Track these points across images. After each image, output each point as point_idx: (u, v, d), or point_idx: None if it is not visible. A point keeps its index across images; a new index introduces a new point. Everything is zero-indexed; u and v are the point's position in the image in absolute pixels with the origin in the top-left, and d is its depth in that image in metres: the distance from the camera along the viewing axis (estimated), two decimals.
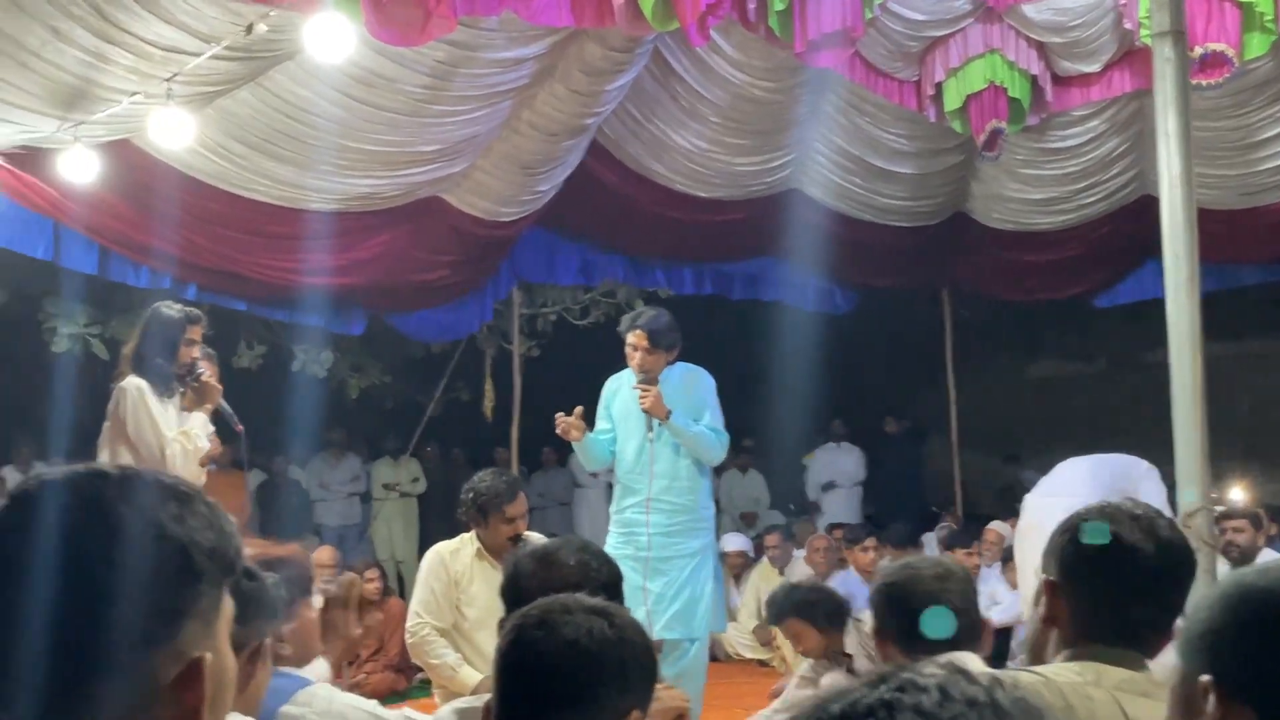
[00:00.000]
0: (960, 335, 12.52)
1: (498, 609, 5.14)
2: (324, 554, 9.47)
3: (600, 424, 6.44)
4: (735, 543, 10.55)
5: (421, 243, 9.25)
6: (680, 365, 6.33)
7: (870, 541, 9.11)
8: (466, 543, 5.42)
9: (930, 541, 10.31)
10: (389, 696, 8.53)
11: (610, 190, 9.53)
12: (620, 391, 6.36)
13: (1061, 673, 2.01)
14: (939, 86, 8.75)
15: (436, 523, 12.77)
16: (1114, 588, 2.06)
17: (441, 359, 11.83)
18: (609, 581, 2.59)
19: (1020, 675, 2.01)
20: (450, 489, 12.97)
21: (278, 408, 11.80)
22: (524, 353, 11.30)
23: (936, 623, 2.77)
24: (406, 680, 8.06)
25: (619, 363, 6.44)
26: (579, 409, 6.19)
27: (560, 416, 6.13)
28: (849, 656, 5.69)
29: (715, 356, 12.92)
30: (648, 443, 6.14)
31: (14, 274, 9.57)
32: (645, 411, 6.05)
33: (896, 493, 13.23)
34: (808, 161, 9.91)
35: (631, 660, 1.91)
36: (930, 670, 0.90)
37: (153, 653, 1.17)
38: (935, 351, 12.57)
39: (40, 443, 11.73)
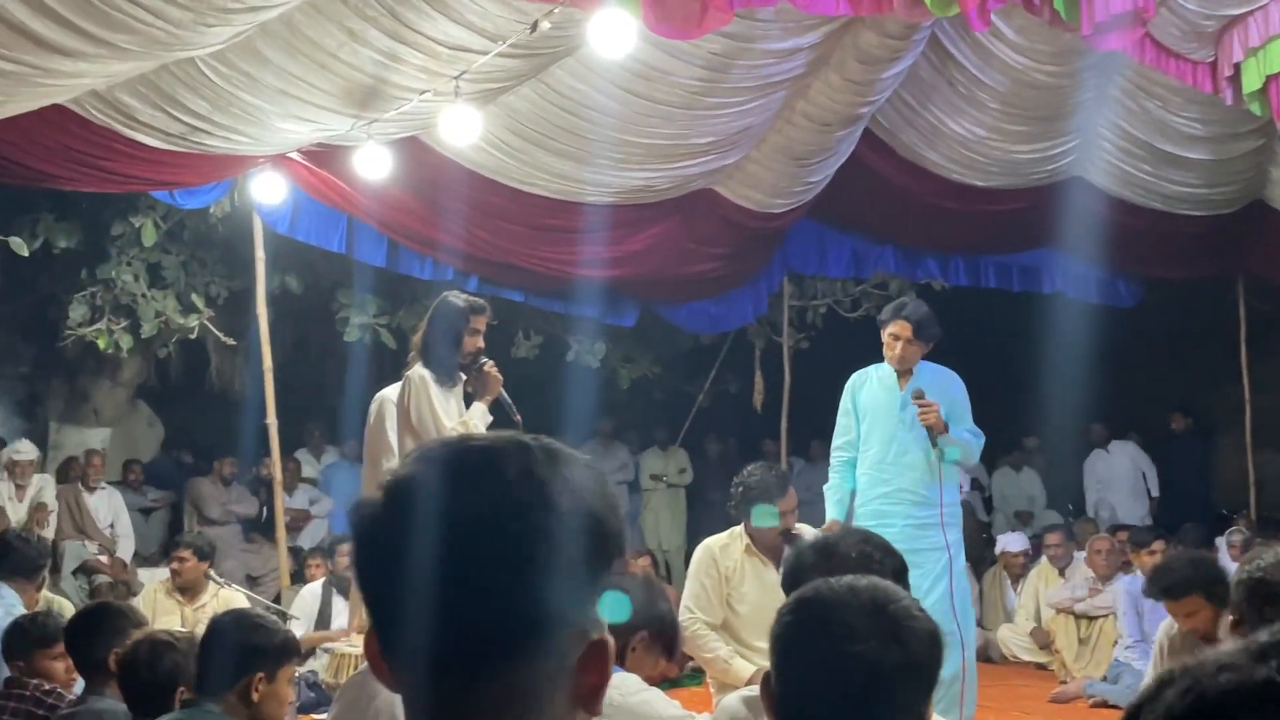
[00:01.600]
0: (1256, 328, 11.83)
1: (768, 605, 5.16)
2: None
3: (841, 420, 6.35)
4: (1014, 543, 10.20)
5: (694, 235, 9.32)
6: (928, 365, 6.17)
7: (1158, 545, 8.69)
8: (736, 538, 5.41)
9: (1222, 546, 9.77)
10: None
11: (883, 180, 9.38)
12: (868, 384, 6.24)
13: None
14: (1237, 67, 8.27)
15: (704, 515, 12.88)
16: None
17: (711, 350, 11.89)
18: (892, 572, 2.54)
19: None
20: (719, 481, 13.06)
21: (552, 396, 12.09)
22: (793, 345, 11.25)
23: None
24: (679, 669, 8.11)
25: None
26: None
27: None
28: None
29: (989, 350, 12.62)
30: (897, 435, 6.02)
31: (310, 266, 10.08)
32: (928, 427, 5.90)
33: (1184, 494, 12.60)
34: (1091, 148, 9.53)
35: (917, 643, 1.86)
36: None
37: (567, 632, 1.15)
38: (1227, 345, 11.90)
39: (331, 427, 12.34)
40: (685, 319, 10.68)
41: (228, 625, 3.17)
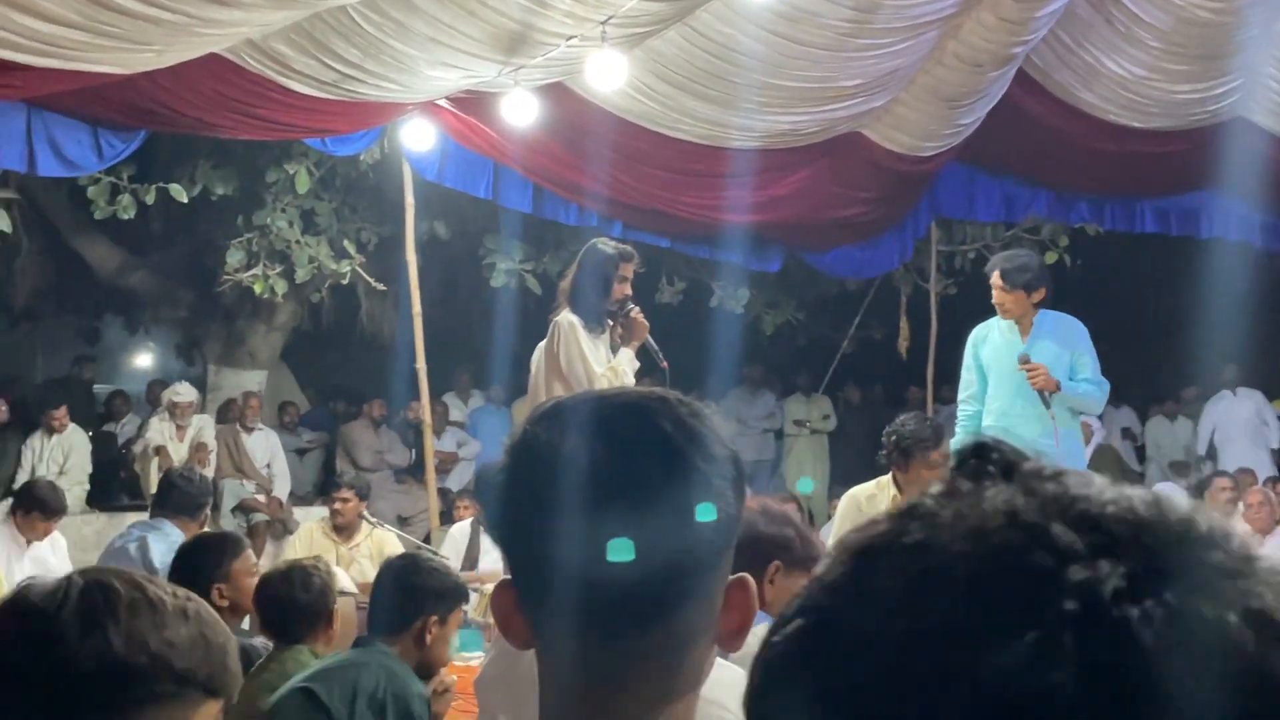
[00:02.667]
0: None
1: None
2: None
3: (965, 374, 6.28)
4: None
5: (840, 179, 9.20)
6: (1051, 314, 6.12)
7: None
8: (884, 488, 5.35)
9: None
10: None
11: (1036, 122, 9.15)
12: (990, 338, 6.20)
13: None
14: None
15: (847, 461, 12.79)
16: None
17: (856, 296, 11.77)
18: None
19: None
20: (863, 428, 12.96)
21: (696, 342, 12.10)
22: (941, 291, 11.07)
23: None
24: None
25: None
26: None
27: None
28: None
29: (1144, 297, 12.28)
30: (1020, 388, 5.94)
31: (458, 213, 10.20)
32: (1039, 390, 5.83)
33: None
34: (1256, 87, 9.16)
35: None
36: None
37: (718, 573, 1.18)
38: None
39: (478, 372, 12.52)
40: (830, 264, 10.57)
41: (401, 569, 3.23)
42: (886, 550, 0.61)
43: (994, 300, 6.08)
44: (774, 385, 13.27)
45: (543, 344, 5.51)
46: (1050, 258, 10.50)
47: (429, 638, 3.17)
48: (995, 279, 6.06)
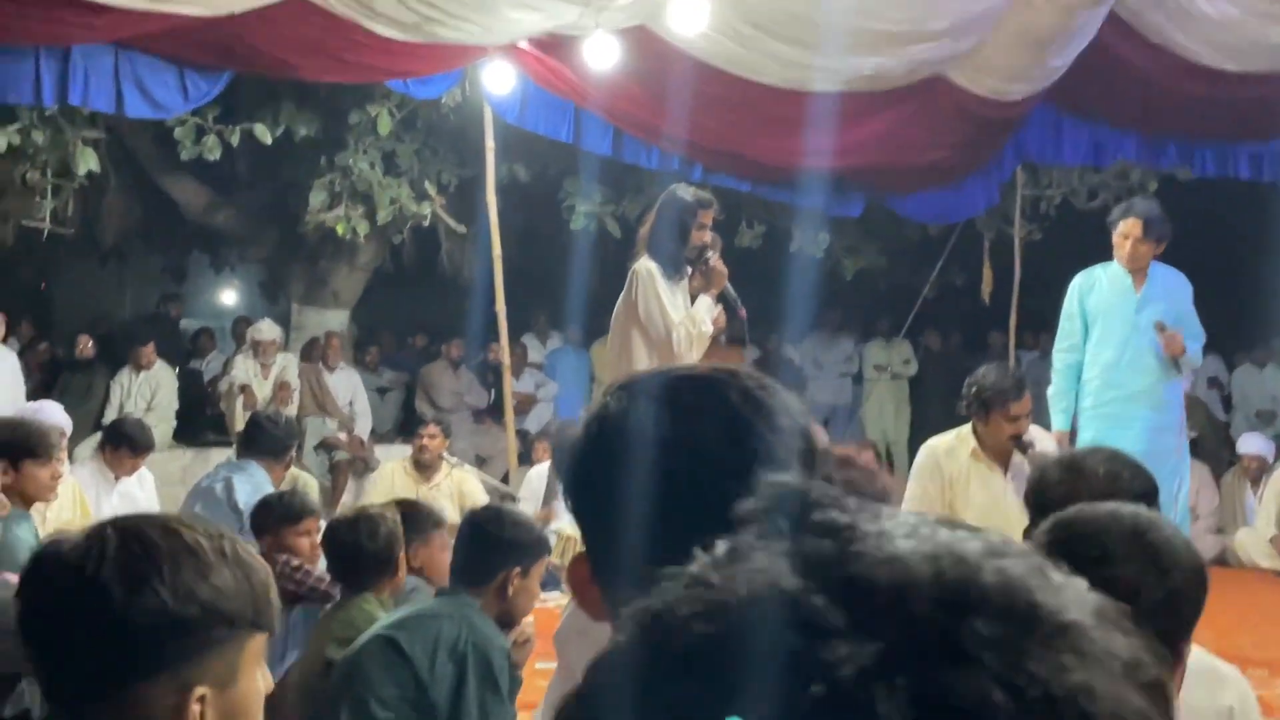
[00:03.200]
0: None
1: (993, 511, 5.08)
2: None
3: (1065, 323, 6.18)
4: (1253, 444, 9.74)
5: (924, 123, 9.06)
6: (1160, 266, 6.04)
7: None
8: (963, 440, 5.26)
9: None
10: None
11: (1126, 64, 8.93)
12: (1097, 287, 6.10)
13: None
14: None
15: (927, 406, 12.71)
16: None
17: (938, 241, 11.62)
18: (1141, 492, 2.44)
19: None
20: (943, 373, 12.85)
21: (774, 286, 12.05)
22: (1025, 236, 10.91)
23: None
24: None
25: None
26: None
27: None
28: None
29: (1235, 243, 12.01)
30: (1131, 339, 5.90)
31: (538, 155, 10.20)
32: (1172, 356, 5.81)
33: None
34: None
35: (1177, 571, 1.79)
36: None
37: None
38: None
39: (556, 313, 12.56)
40: (913, 209, 10.45)
41: (485, 521, 3.26)
42: (656, 625, 0.58)
43: (1124, 250, 5.94)
44: (853, 330, 13.19)
45: (622, 294, 5.51)
46: None
47: (511, 589, 3.19)
48: (1132, 226, 5.92)
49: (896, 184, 9.92)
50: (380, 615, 3.26)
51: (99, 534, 1.39)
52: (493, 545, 3.20)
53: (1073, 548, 1.77)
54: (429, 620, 3.02)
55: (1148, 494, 2.47)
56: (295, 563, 4.36)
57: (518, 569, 3.20)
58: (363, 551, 3.53)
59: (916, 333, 12.89)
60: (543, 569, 3.35)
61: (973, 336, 13.43)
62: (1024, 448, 5.13)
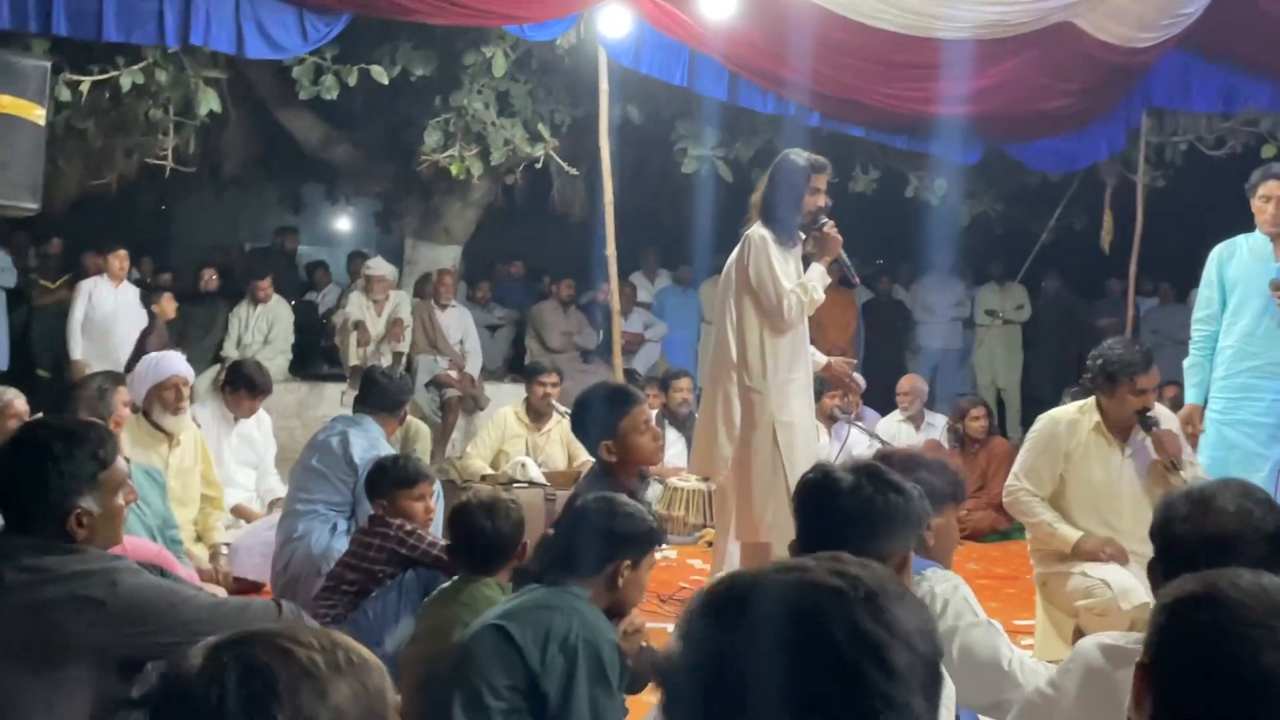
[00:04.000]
0: None
1: (1109, 488, 5.00)
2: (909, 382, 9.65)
3: (1204, 291, 5.99)
4: None
5: (1048, 70, 8.84)
6: None
7: None
8: (1086, 413, 5.14)
9: None
10: (989, 535, 8.55)
11: (1260, 8, 8.60)
12: (1236, 255, 5.90)
13: None
14: None
15: (1041, 352, 12.52)
16: None
17: (1058, 187, 11.37)
18: (1274, 531, 2.36)
19: None
20: (1058, 319, 12.64)
21: (888, 230, 11.91)
22: (1149, 183, 10.62)
23: None
24: (1008, 521, 8.00)
25: None
26: None
27: None
28: None
29: None
30: (1270, 307, 5.70)
31: (651, 97, 10.13)
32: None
33: None
34: None
35: None
36: None
37: None
38: None
39: (665, 252, 12.55)
40: (1033, 156, 10.22)
41: (596, 511, 3.26)
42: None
43: (1266, 214, 5.73)
44: (965, 274, 12.98)
45: (732, 256, 5.46)
46: (1268, 151, 10.00)
47: (621, 581, 3.21)
48: (1274, 188, 5.71)
49: (1019, 131, 9.70)
50: (500, 600, 3.30)
51: (218, 663, 1.41)
52: (603, 536, 3.20)
53: (1214, 628, 1.67)
54: (540, 611, 3.05)
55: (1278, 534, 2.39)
56: (409, 527, 4.43)
57: (628, 561, 3.21)
58: (493, 536, 3.58)
59: (1032, 278, 12.65)
60: (653, 559, 3.36)
61: (1089, 283, 13.17)
62: (1148, 425, 5.02)
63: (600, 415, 4.35)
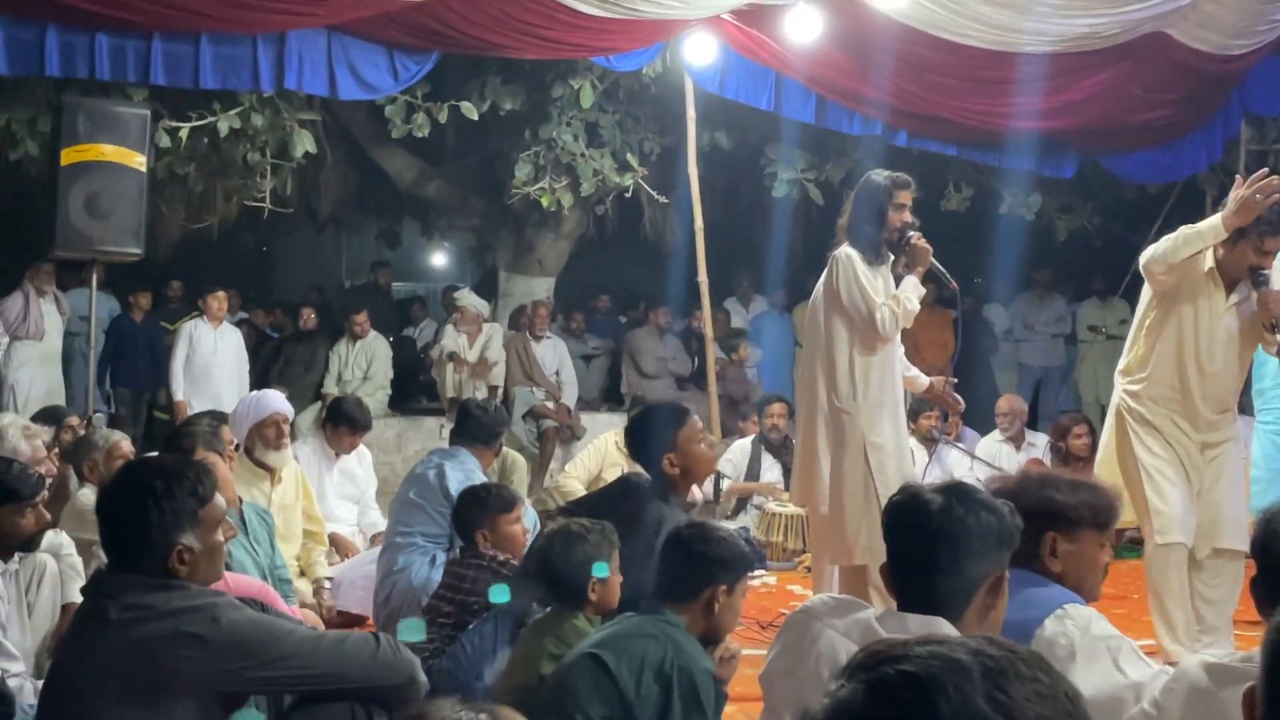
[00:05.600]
0: None
1: (1205, 332, 5.09)
2: (1008, 402, 9.50)
3: None
4: None
5: (1141, 81, 8.72)
6: None
7: None
8: (1205, 255, 5.16)
9: None
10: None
11: None
12: None
13: None
14: None
15: None
16: None
17: (1157, 199, 11.16)
18: None
19: None
20: None
21: (983, 247, 11.77)
22: None
23: None
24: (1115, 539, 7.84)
25: None
26: None
27: None
28: None
29: None
30: None
31: (739, 122, 10.14)
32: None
33: None
34: None
35: None
36: None
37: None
38: None
39: (758, 277, 12.52)
40: (1130, 169, 10.06)
41: (691, 538, 3.25)
42: None
43: None
44: (1065, 290, 12.79)
45: (821, 278, 5.44)
46: None
47: (717, 606, 3.20)
48: None
49: (1114, 143, 9.57)
50: (590, 631, 3.30)
51: None
52: (698, 562, 3.20)
53: None
54: (635, 639, 3.04)
55: None
56: (501, 557, 4.45)
57: (723, 586, 3.20)
58: (579, 571, 3.57)
59: (1133, 292, 12.38)
60: (747, 585, 3.34)
61: None
62: (1259, 281, 5.05)
63: (659, 430, 4.49)
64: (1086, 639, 2.62)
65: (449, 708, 1.51)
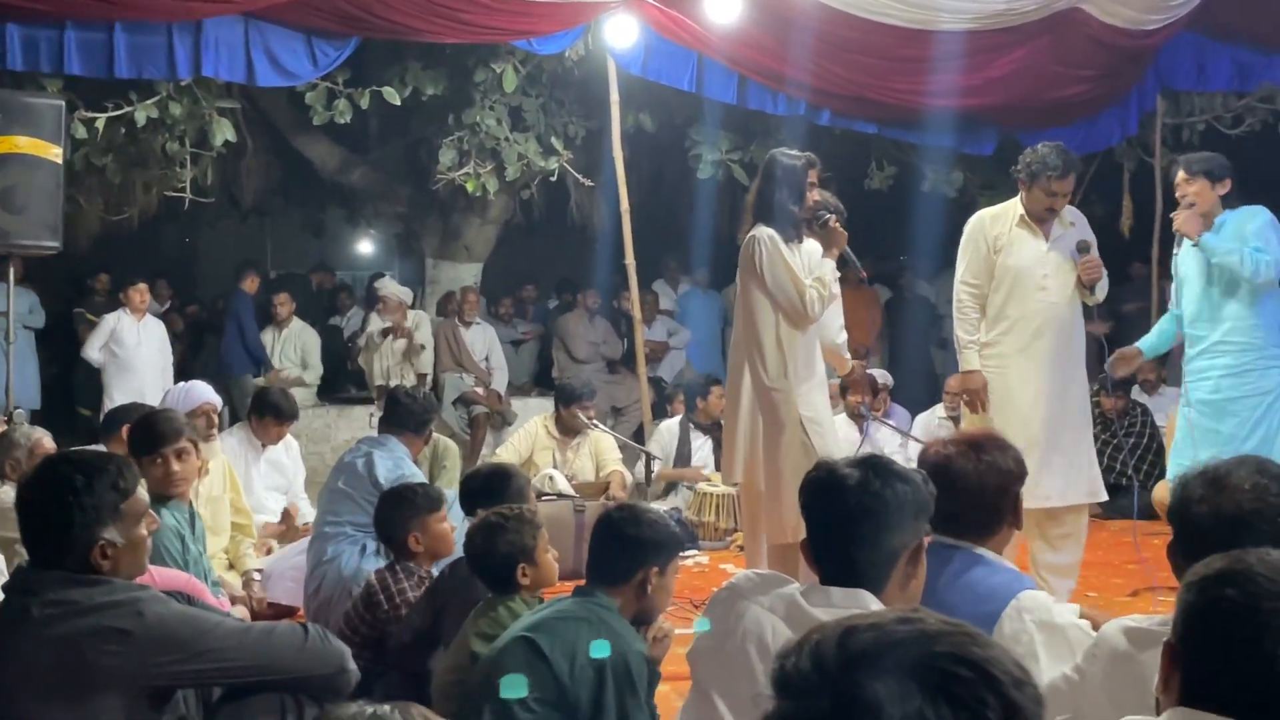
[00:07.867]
0: None
1: (1037, 269, 5.42)
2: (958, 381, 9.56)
3: None
4: None
5: (1059, 57, 8.83)
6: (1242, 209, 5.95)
7: None
8: (1011, 207, 5.64)
9: None
10: None
11: None
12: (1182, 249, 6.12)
13: None
14: None
15: None
16: None
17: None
18: None
19: None
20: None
21: (907, 225, 11.86)
22: (1166, 165, 10.56)
23: None
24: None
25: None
26: None
27: None
28: None
29: None
30: (1205, 292, 5.92)
31: (663, 104, 10.15)
32: (1176, 231, 6.00)
33: None
34: None
35: None
36: None
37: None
38: None
39: (685, 259, 12.55)
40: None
41: (620, 520, 3.26)
42: None
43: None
44: None
45: (741, 261, 5.42)
46: None
47: (649, 588, 3.22)
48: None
49: (1032, 120, 9.67)
50: (525, 613, 3.30)
51: None
52: (630, 545, 3.21)
53: (1240, 610, 1.66)
54: (568, 622, 3.05)
55: None
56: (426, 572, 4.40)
57: (655, 568, 3.21)
58: (504, 560, 3.55)
59: None
60: (679, 565, 3.36)
61: (1112, 267, 13.04)
62: (1082, 249, 5.53)
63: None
64: (1045, 632, 2.67)
65: (354, 707, 1.51)
